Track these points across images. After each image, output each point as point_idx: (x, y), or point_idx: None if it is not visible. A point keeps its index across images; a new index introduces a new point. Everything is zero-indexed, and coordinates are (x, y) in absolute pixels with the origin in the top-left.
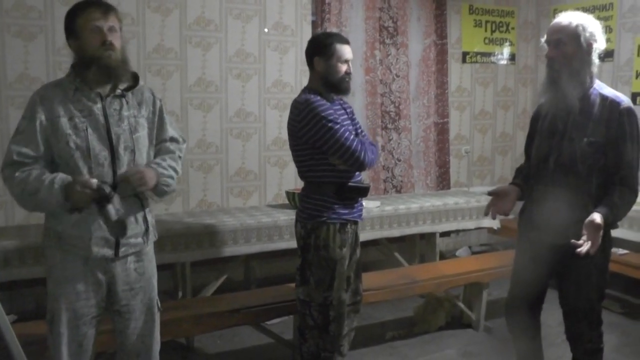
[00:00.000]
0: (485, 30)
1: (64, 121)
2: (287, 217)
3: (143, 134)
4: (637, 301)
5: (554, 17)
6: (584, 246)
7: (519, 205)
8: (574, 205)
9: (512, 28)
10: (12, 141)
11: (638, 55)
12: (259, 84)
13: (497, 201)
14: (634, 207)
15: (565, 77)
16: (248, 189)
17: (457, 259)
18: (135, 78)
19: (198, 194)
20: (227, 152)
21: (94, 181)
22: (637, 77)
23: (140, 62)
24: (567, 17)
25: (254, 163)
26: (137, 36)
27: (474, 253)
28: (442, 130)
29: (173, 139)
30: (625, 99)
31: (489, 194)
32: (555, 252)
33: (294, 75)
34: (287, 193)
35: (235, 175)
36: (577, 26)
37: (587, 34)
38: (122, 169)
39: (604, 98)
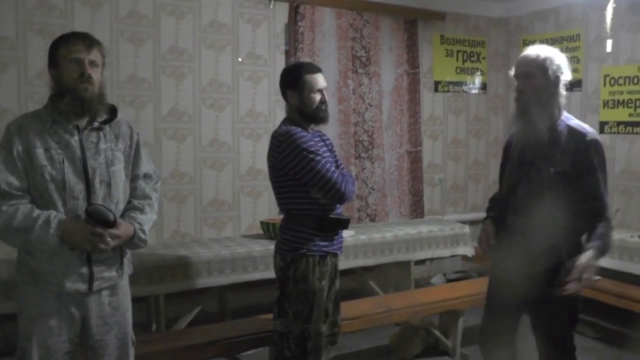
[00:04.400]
0: (457, 60)
1: (40, 152)
2: (262, 247)
3: (119, 167)
4: (610, 326)
5: (523, 47)
6: (569, 285)
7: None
8: (543, 234)
9: (483, 58)
10: None
11: (604, 85)
12: (233, 114)
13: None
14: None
15: (535, 109)
16: (222, 220)
17: (433, 286)
18: (113, 111)
19: (172, 225)
20: (201, 182)
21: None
22: (604, 106)
23: (114, 92)
24: (535, 51)
25: (228, 193)
26: (110, 66)
27: (448, 280)
28: (415, 158)
29: (147, 176)
30: (590, 130)
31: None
32: (527, 281)
33: (268, 104)
34: (262, 223)
35: (209, 205)
36: (545, 59)
37: (555, 67)
38: (97, 202)
39: (570, 129)
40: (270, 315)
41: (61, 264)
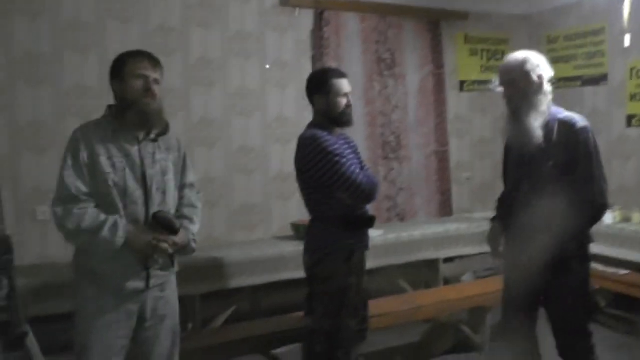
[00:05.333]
0: (481, 59)
1: (103, 160)
2: (293, 248)
3: (171, 177)
4: None
5: (547, 44)
6: None
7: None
8: (549, 224)
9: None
10: (65, 176)
11: (631, 78)
12: (261, 120)
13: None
14: (633, 229)
15: (525, 111)
16: (253, 222)
17: (461, 283)
18: (165, 125)
19: (204, 229)
20: (232, 187)
21: (169, 249)
22: (631, 100)
23: None
24: (514, 57)
25: (259, 197)
26: None
27: (478, 278)
28: (442, 158)
29: (192, 185)
30: (579, 119)
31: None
32: (538, 273)
33: (295, 109)
34: (293, 225)
35: (239, 209)
36: (525, 63)
37: (536, 68)
38: (154, 208)
39: (560, 122)
40: (301, 313)
41: (120, 265)
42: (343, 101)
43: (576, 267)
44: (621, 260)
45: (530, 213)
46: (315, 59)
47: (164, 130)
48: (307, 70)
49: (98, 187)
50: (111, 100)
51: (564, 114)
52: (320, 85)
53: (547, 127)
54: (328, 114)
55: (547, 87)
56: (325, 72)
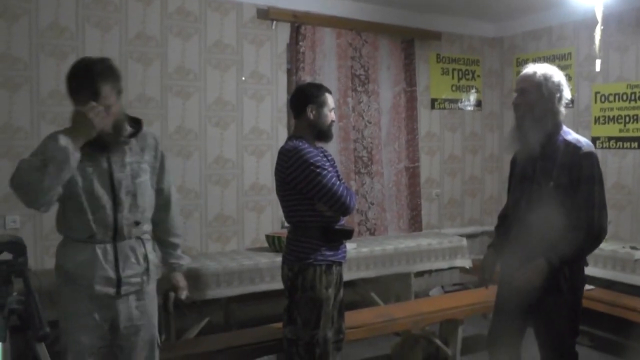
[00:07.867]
0: (452, 78)
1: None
2: (268, 259)
3: (145, 178)
4: (604, 334)
5: (516, 66)
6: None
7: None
8: (544, 245)
9: (478, 76)
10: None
11: (595, 102)
12: (237, 131)
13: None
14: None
15: (528, 123)
16: (227, 234)
17: (433, 297)
18: (138, 124)
19: None
20: (206, 198)
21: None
22: (595, 122)
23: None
24: (533, 68)
25: (233, 208)
26: None
27: (446, 292)
28: (413, 174)
29: (169, 190)
30: (585, 144)
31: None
32: (530, 288)
33: (270, 122)
34: (267, 237)
35: (214, 220)
36: (539, 76)
37: (550, 84)
38: (124, 212)
39: (567, 143)
40: (277, 324)
41: (90, 269)
42: (332, 115)
43: (567, 290)
44: (586, 277)
45: (527, 230)
46: (290, 72)
47: (135, 132)
48: (282, 83)
49: (67, 191)
50: None
51: (572, 136)
52: (315, 96)
53: (553, 146)
54: (317, 125)
55: (560, 107)
56: (320, 86)
